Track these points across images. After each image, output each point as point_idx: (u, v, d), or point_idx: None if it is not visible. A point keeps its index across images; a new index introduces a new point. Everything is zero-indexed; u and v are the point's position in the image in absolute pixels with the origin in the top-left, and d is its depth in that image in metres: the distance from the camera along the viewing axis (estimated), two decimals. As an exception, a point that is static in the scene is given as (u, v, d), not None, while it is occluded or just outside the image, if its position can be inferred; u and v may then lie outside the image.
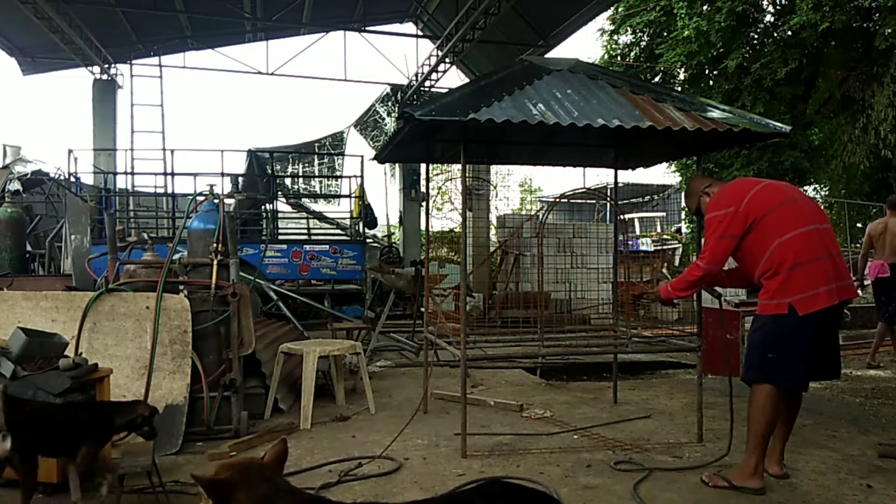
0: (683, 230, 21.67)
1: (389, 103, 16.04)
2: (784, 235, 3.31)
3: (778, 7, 15.58)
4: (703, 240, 3.81)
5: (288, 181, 14.26)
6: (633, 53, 17.64)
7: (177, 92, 40.33)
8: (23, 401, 2.99)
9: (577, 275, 10.52)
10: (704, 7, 14.75)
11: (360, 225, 11.24)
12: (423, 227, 10.52)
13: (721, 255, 3.46)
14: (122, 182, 11.99)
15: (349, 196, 12.00)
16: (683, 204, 24.97)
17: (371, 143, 16.21)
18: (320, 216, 13.47)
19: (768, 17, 15.69)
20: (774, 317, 3.32)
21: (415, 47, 16.11)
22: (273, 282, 9.18)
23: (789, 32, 14.13)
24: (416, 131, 4.08)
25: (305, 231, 11.82)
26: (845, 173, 18.34)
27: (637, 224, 21.83)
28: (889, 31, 12.76)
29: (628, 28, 17.28)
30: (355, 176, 11.43)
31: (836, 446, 4.17)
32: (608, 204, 6.97)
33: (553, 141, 4.89)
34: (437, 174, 22.27)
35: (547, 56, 10.82)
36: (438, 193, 24.44)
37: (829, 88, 15.57)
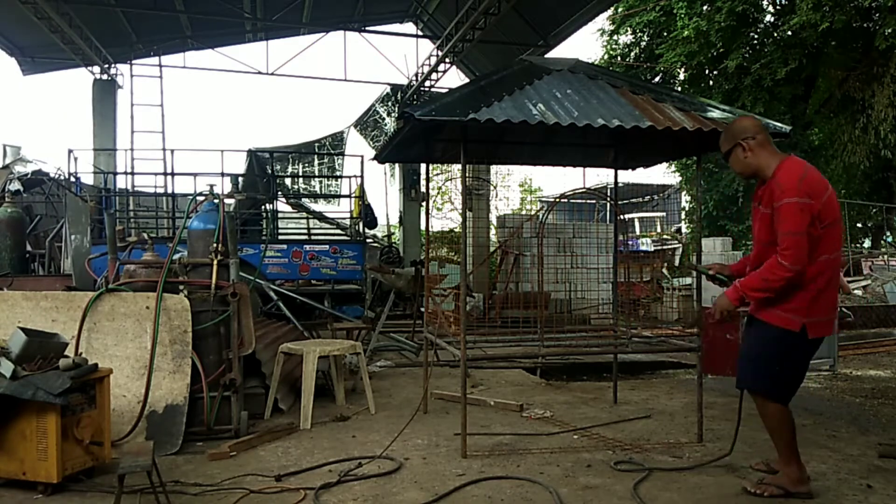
0: (683, 230, 21.67)
1: (389, 103, 16.04)
2: (831, 254, 3.18)
3: (778, 7, 15.58)
4: (763, 224, 3.25)
5: (288, 181, 14.25)
6: (633, 53, 17.65)
7: (177, 92, 40.35)
8: None
9: (577, 275, 10.52)
10: (704, 7, 14.75)
11: (360, 225, 11.23)
12: (423, 227, 10.52)
13: (805, 252, 3.07)
14: (122, 182, 11.96)
15: (349, 196, 11.99)
16: (683, 203, 25.00)
17: (371, 143, 16.21)
18: (320, 216, 13.44)
19: (768, 17, 15.69)
20: (787, 332, 3.19)
21: (415, 47, 16.15)
22: (273, 282, 9.18)
23: (789, 32, 14.13)
24: (416, 131, 4.08)
25: (305, 231, 11.80)
26: (845, 173, 18.32)
27: (637, 224, 21.85)
28: (889, 31, 12.75)
29: (628, 28, 17.28)
30: (355, 176, 11.41)
31: (836, 446, 4.17)
32: (608, 204, 6.96)
33: (553, 141, 4.89)
34: (437, 174, 22.28)
35: (547, 56, 10.82)
36: (438, 193, 24.43)
37: (829, 88, 15.56)
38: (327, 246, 9.80)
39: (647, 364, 7.86)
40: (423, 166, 8.68)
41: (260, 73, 15.47)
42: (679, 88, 14.69)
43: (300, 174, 15.15)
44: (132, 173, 12.39)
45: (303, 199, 14.32)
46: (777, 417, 3.29)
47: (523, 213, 22.69)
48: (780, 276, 3.09)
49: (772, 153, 3.28)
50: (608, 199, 6.13)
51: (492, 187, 19.94)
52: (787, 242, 3.06)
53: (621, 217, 5.52)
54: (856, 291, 12.09)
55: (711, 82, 15.97)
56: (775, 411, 3.28)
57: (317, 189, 15.25)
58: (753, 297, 3.25)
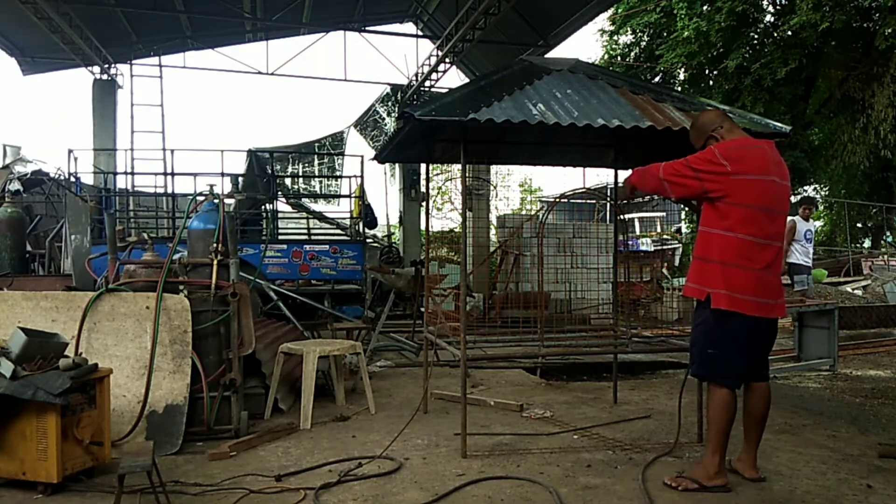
0: (683, 230, 21.67)
1: (389, 103, 16.05)
2: (737, 232, 3.34)
3: (778, 7, 15.57)
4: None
5: (288, 181, 14.26)
6: (633, 54, 17.66)
7: (177, 92, 40.41)
8: None
9: (577, 275, 10.53)
10: (704, 7, 14.75)
11: (360, 225, 11.24)
12: (423, 227, 10.52)
13: (683, 180, 3.38)
14: (122, 182, 11.98)
15: (349, 196, 12.00)
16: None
17: (371, 143, 16.22)
18: (320, 216, 13.46)
19: (768, 17, 15.69)
20: (701, 305, 3.41)
21: (415, 47, 16.17)
22: (273, 282, 9.18)
23: (789, 32, 14.12)
24: (416, 131, 4.08)
25: (305, 231, 11.81)
26: (845, 173, 18.37)
27: (637, 224, 21.85)
28: (889, 31, 12.75)
29: (628, 28, 17.28)
30: (355, 176, 11.42)
31: (836, 446, 4.17)
32: (608, 204, 6.97)
33: (553, 141, 4.89)
34: (437, 174, 22.29)
35: (547, 56, 10.82)
36: (438, 193, 24.44)
37: (829, 88, 15.56)
38: (327, 246, 9.80)
39: (647, 364, 7.85)
40: (423, 166, 8.69)
41: (260, 73, 15.48)
42: (679, 88, 14.69)
43: (300, 174, 15.16)
44: (132, 173, 12.40)
45: (303, 199, 14.34)
46: (720, 405, 3.29)
47: (523, 213, 22.68)
48: (653, 173, 3.42)
49: (739, 135, 3.48)
50: (608, 199, 6.13)
51: (492, 187, 19.95)
52: (679, 161, 3.33)
53: (621, 217, 5.52)
54: (856, 291, 12.09)
55: (711, 82, 15.96)
56: (719, 399, 3.30)
57: (317, 189, 15.26)
58: (637, 176, 3.53)
